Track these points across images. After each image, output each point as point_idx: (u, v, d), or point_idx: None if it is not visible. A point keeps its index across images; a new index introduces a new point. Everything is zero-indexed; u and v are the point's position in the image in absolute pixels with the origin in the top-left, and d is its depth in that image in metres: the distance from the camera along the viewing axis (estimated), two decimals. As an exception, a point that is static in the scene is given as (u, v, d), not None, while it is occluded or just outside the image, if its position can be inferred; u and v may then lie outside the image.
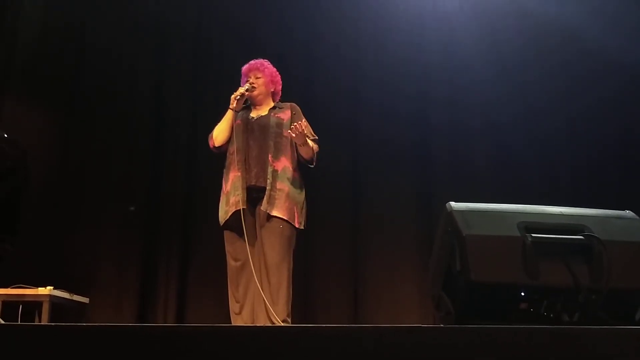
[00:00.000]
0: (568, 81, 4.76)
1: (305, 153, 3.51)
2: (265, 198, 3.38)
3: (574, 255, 1.98)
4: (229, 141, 3.55)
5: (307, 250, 4.12)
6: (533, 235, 1.98)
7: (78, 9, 5.09)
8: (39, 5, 5.14)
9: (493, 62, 4.78)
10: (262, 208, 3.38)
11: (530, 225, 2.02)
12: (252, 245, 3.40)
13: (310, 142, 3.51)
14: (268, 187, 3.40)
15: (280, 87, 3.73)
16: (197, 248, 4.71)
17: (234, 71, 4.27)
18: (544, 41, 4.82)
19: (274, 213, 3.37)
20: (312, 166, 3.59)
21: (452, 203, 2.10)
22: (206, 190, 4.69)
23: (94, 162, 4.87)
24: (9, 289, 4.04)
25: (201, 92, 4.98)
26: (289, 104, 3.70)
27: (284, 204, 3.40)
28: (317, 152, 3.57)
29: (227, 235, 3.50)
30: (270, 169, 3.43)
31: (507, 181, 4.59)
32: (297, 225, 3.44)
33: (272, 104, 3.68)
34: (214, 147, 3.59)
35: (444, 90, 4.85)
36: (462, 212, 2.05)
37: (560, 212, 2.12)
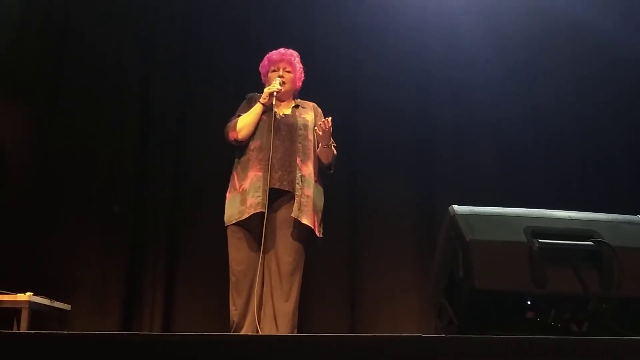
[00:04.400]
0: (578, 79, 4.74)
1: (325, 157, 3.38)
2: (295, 204, 3.23)
3: (583, 262, 1.97)
4: (251, 136, 3.39)
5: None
6: (540, 240, 1.96)
7: (61, 1, 4.99)
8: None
9: (499, 59, 4.73)
10: (292, 214, 3.22)
11: (538, 230, 2.00)
12: (262, 250, 3.25)
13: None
14: (297, 193, 3.26)
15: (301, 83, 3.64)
16: (185, 252, 4.61)
17: (224, 68, 4.20)
18: (553, 37, 4.79)
19: (304, 220, 3.24)
20: (331, 172, 3.48)
21: (455, 207, 2.08)
22: (195, 191, 4.64)
23: (77, 160, 4.75)
24: (-14, 294, 3.96)
25: (190, 89, 4.89)
26: (310, 103, 3.58)
27: (310, 211, 3.28)
28: (335, 157, 3.45)
29: (234, 236, 3.31)
30: (298, 174, 3.29)
31: (513, 184, 4.57)
32: (317, 234, 3.33)
33: (293, 102, 3.55)
34: (235, 140, 3.38)
35: (448, 89, 4.83)
36: (466, 216, 2.03)
37: (569, 216, 2.11)
